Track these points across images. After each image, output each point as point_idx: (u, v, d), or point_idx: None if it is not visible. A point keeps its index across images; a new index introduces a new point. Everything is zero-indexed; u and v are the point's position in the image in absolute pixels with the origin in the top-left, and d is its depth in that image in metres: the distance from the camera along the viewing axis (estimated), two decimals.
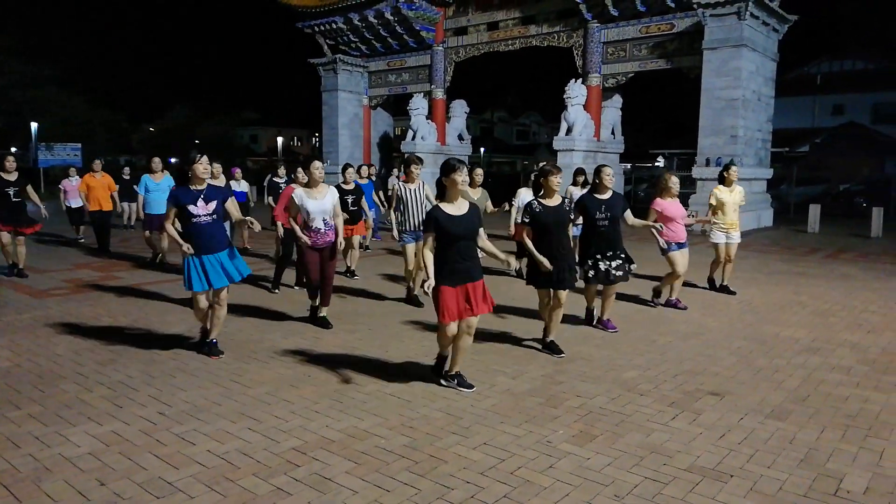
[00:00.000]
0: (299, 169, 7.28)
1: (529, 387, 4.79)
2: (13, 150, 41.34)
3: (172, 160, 36.40)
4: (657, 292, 7.58)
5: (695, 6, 16.22)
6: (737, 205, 8.16)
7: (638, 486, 3.30)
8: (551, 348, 5.61)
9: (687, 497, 3.19)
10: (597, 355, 5.58)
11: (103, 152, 40.75)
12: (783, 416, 4.24)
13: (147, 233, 10.06)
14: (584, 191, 9.72)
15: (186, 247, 5.13)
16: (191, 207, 5.10)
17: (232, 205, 5.41)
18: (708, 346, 5.90)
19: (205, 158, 5.18)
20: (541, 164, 6.08)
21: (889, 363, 5.43)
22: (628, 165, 31.17)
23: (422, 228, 5.13)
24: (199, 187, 5.19)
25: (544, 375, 5.04)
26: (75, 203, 13.16)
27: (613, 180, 6.19)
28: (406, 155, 7.30)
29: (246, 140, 63.61)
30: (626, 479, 3.37)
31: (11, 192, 8.74)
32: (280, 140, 49.94)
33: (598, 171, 6.21)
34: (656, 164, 42.16)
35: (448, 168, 4.52)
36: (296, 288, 8.34)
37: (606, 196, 6.14)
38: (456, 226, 4.44)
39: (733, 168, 8.25)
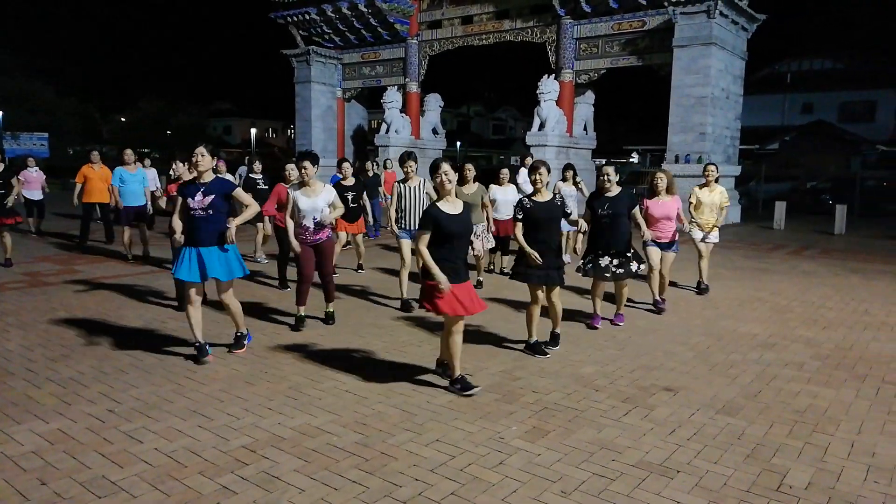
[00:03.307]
0: (288, 166, 7.30)
1: (487, 383, 4.79)
2: None
3: (146, 150, 35.85)
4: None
5: (665, 4, 16.38)
6: (714, 205, 8.10)
7: (585, 481, 3.33)
8: (534, 349, 5.55)
9: (633, 493, 3.22)
10: (555, 351, 5.60)
11: (72, 142, 40.00)
12: (734, 412, 4.30)
13: (125, 229, 9.89)
14: (573, 184, 9.76)
15: (178, 236, 5.34)
16: (189, 200, 5.12)
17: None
18: (666, 342, 5.97)
19: (197, 151, 5.19)
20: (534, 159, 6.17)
21: (841, 359, 5.54)
22: (602, 161, 31.40)
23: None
24: (199, 181, 5.22)
25: (503, 371, 5.06)
26: (34, 195, 12.88)
27: (611, 179, 6.18)
28: (406, 151, 7.25)
29: (220, 131, 62.87)
30: (574, 475, 3.39)
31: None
32: (254, 132, 49.31)
33: (599, 170, 6.35)
34: (630, 160, 42.60)
35: (434, 166, 4.56)
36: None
37: (612, 194, 6.19)
38: (453, 224, 4.41)
39: (709, 167, 8.24)
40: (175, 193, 5.91)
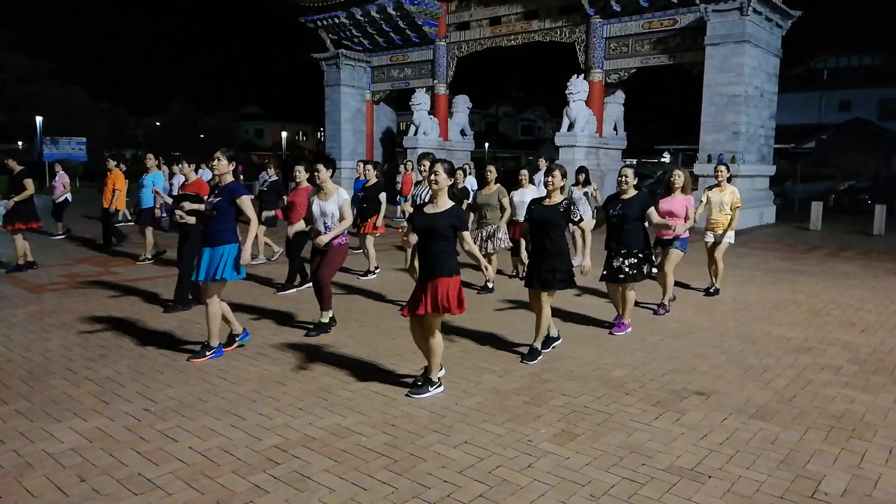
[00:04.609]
0: (297, 168, 7.20)
1: (516, 385, 4.79)
2: (20, 144, 41.70)
3: (178, 154, 36.60)
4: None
5: (697, 2, 16.14)
6: (723, 204, 8.01)
7: (615, 486, 3.31)
8: (529, 354, 5.39)
9: (663, 498, 3.19)
10: (585, 354, 5.57)
11: (108, 147, 41.01)
12: (767, 417, 4.23)
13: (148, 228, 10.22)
14: (585, 189, 9.78)
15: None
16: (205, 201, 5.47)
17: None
18: (698, 345, 5.89)
19: (214, 155, 5.40)
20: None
21: (879, 363, 5.40)
22: (634, 161, 31.09)
23: None
24: (220, 184, 5.43)
25: (531, 374, 5.04)
26: (57, 197, 13.38)
27: (629, 181, 6.15)
28: (423, 152, 7.21)
29: (251, 135, 63.80)
30: (603, 479, 3.37)
31: None
32: (284, 135, 49.95)
33: (619, 172, 6.32)
34: (662, 159, 42.08)
35: (429, 165, 4.71)
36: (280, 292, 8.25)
37: (627, 196, 6.18)
38: (420, 223, 4.49)
39: (720, 167, 8.22)
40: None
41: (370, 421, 4.10)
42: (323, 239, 5.89)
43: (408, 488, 3.26)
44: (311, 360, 5.32)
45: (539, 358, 5.36)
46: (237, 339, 5.62)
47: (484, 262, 4.73)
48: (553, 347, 5.60)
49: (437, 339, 4.52)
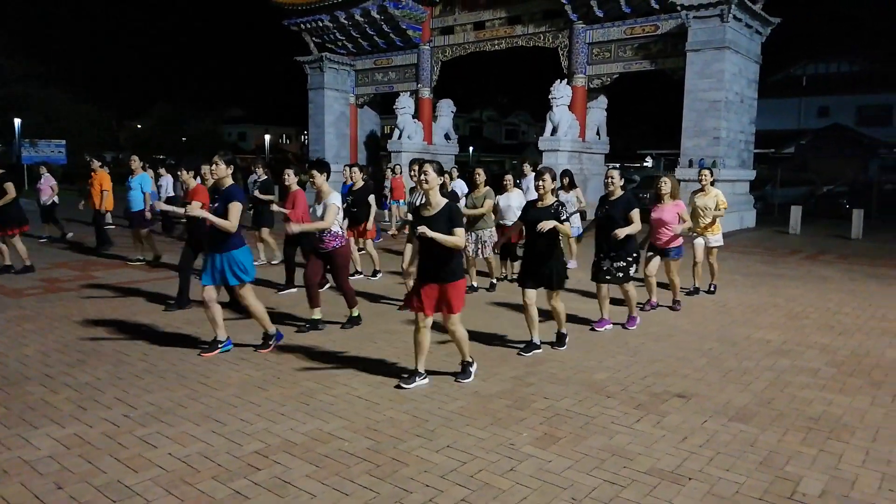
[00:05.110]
0: (287, 171, 7.39)
1: (498, 388, 4.80)
2: None
3: (161, 157, 36.35)
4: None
5: (678, 8, 16.30)
6: (707, 208, 8.15)
7: (596, 489, 3.32)
8: (558, 340, 5.84)
9: (643, 500, 3.21)
10: (568, 357, 5.60)
11: (89, 149, 40.53)
12: (747, 419, 4.28)
13: (143, 231, 10.13)
14: (569, 193, 9.84)
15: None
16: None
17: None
18: (679, 348, 5.94)
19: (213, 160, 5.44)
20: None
21: (857, 365, 5.48)
22: (617, 166, 31.26)
23: None
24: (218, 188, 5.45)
25: (514, 377, 5.06)
26: (45, 200, 13.20)
27: (615, 182, 6.27)
28: (413, 158, 7.38)
29: (234, 138, 63.34)
30: (584, 482, 3.39)
31: None
32: (268, 138, 49.65)
33: (605, 174, 6.44)
34: (644, 164, 42.43)
35: (419, 167, 4.78)
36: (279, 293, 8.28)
37: (614, 197, 6.31)
38: (419, 225, 4.56)
39: (703, 171, 8.34)
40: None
41: (352, 426, 4.09)
42: (293, 227, 6.13)
43: (389, 493, 3.26)
44: (292, 365, 5.29)
45: (565, 344, 5.80)
46: (220, 345, 5.58)
47: (453, 240, 4.66)
48: (533, 354, 5.62)
49: (463, 331, 4.81)
